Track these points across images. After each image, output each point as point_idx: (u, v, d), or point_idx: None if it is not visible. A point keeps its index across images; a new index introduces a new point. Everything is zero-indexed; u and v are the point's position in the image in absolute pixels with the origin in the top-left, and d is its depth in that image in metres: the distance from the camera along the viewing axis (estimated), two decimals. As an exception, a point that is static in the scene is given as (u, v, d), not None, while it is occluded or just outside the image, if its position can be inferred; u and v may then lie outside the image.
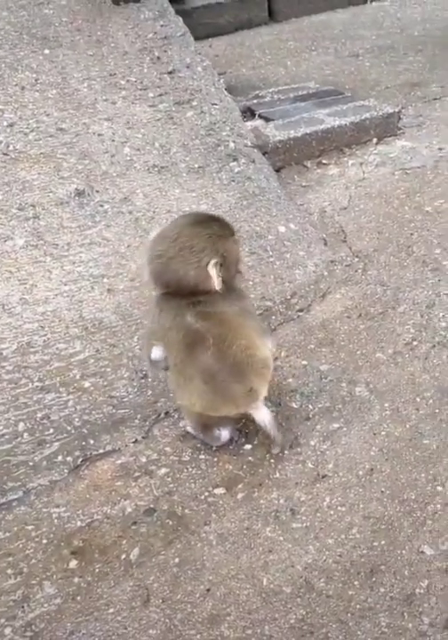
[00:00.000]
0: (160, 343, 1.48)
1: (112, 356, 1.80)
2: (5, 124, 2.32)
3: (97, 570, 1.31)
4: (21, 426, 1.60)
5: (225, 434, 1.56)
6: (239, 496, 1.46)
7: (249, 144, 2.62)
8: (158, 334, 1.49)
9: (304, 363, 1.82)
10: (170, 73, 2.74)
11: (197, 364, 1.42)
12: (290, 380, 1.77)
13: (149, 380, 1.75)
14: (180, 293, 1.45)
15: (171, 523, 1.41)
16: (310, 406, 1.69)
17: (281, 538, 1.37)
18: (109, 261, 2.05)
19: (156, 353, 1.49)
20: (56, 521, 1.41)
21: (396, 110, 2.97)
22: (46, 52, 2.68)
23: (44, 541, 1.36)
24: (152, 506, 1.44)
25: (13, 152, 2.23)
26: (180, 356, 1.45)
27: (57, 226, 2.09)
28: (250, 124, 2.88)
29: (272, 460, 1.55)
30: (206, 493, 1.47)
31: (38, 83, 2.52)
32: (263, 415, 1.51)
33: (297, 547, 1.35)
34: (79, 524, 1.40)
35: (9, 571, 1.31)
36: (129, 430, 1.62)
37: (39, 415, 1.63)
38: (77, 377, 1.74)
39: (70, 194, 2.19)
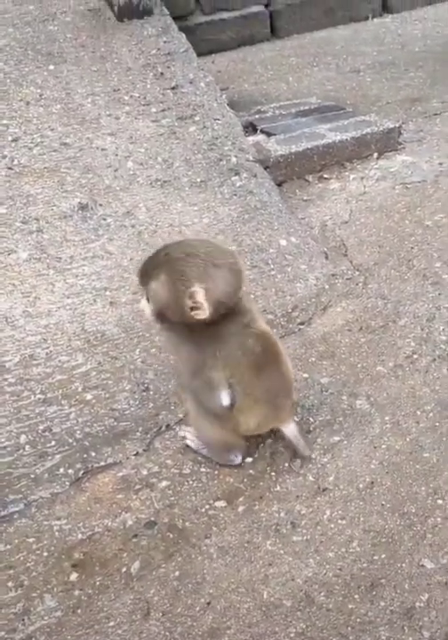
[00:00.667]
0: (224, 381, 1.40)
1: (114, 369, 1.81)
2: (10, 138, 2.35)
3: (97, 583, 1.32)
4: (23, 438, 1.61)
5: (239, 457, 1.57)
6: (240, 509, 1.47)
7: (251, 159, 2.64)
8: (221, 369, 1.40)
9: (305, 375, 1.83)
10: (173, 88, 2.77)
11: (262, 384, 1.43)
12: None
13: (151, 392, 1.76)
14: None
15: (171, 536, 1.41)
16: (311, 419, 1.69)
17: (281, 551, 1.37)
18: (112, 274, 2.06)
19: (226, 397, 1.42)
20: (57, 533, 1.41)
21: (397, 125, 2.98)
22: (51, 67, 2.71)
23: (45, 554, 1.37)
24: (153, 519, 1.45)
25: (18, 166, 2.25)
26: (244, 379, 1.41)
27: (60, 239, 2.11)
28: (252, 138, 2.90)
29: (273, 474, 1.55)
30: (207, 506, 1.47)
31: (43, 98, 2.54)
32: (293, 428, 1.55)
33: (297, 560, 1.35)
34: (80, 536, 1.40)
35: (9, 583, 1.31)
36: (130, 443, 1.63)
37: (41, 427, 1.64)
38: (79, 389, 1.75)
39: (74, 208, 2.21)
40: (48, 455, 1.58)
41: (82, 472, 1.55)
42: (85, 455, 1.59)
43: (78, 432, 1.64)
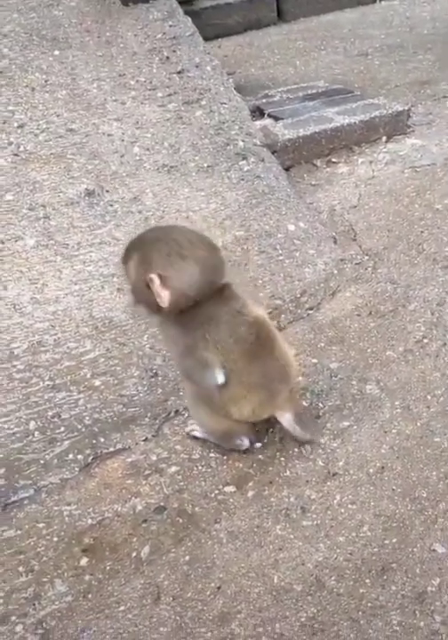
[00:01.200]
0: (217, 360, 1.38)
1: (122, 355, 1.81)
2: (16, 125, 2.33)
3: (108, 567, 1.32)
4: (32, 424, 1.61)
5: (246, 441, 1.54)
6: (249, 494, 1.46)
7: (258, 143, 2.61)
8: (212, 351, 1.38)
9: (314, 361, 1.82)
10: (179, 73, 2.75)
11: (255, 371, 1.41)
12: (300, 378, 1.77)
13: (160, 378, 1.75)
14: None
15: (181, 521, 1.41)
16: (320, 404, 1.68)
17: (291, 536, 1.37)
18: (119, 261, 2.05)
19: (220, 375, 1.39)
20: (67, 519, 1.41)
21: (406, 108, 2.95)
22: (56, 53, 2.69)
23: (55, 539, 1.37)
24: (162, 504, 1.44)
25: (24, 153, 2.24)
26: (237, 366, 1.39)
27: (67, 226, 2.10)
28: (259, 123, 2.87)
29: (282, 459, 1.54)
30: (216, 491, 1.47)
31: (48, 84, 2.53)
32: (288, 416, 1.52)
33: (307, 545, 1.35)
34: (90, 521, 1.40)
35: (20, 568, 1.32)
36: (139, 429, 1.63)
37: (50, 414, 1.64)
38: (88, 376, 1.74)
39: (80, 194, 2.20)
40: (57, 441, 1.58)
41: (91, 458, 1.55)
42: (94, 441, 1.59)
43: (87, 418, 1.64)
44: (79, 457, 1.55)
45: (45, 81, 2.53)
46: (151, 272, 1.33)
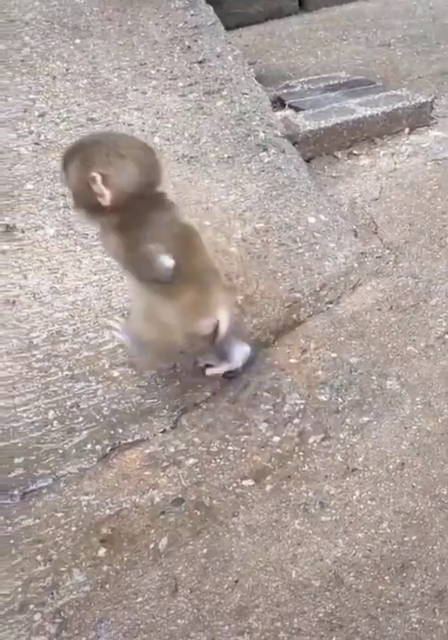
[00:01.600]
0: (161, 248, 1.45)
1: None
2: (37, 114, 2.33)
3: (125, 558, 1.32)
4: (51, 414, 1.61)
5: (169, 364, 1.65)
6: (267, 488, 1.46)
7: (279, 134, 2.59)
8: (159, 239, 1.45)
9: (334, 355, 1.80)
10: (200, 62, 2.73)
11: (192, 264, 1.49)
12: (319, 372, 1.76)
13: (178, 370, 1.75)
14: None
15: (199, 513, 1.40)
16: (340, 399, 1.67)
17: (310, 531, 1.36)
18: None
19: (167, 259, 1.45)
20: (85, 509, 1.41)
21: (429, 100, 2.91)
22: (77, 41, 2.68)
23: (74, 529, 1.37)
24: (180, 496, 1.44)
25: (45, 142, 2.23)
26: (177, 259, 1.46)
27: (87, 215, 2.10)
28: (280, 113, 2.85)
29: (301, 453, 1.54)
30: (234, 485, 1.46)
31: (69, 72, 2.52)
32: (226, 319, 1.56)
33: (326, 540, 1.34)
34: (108, 512, 1.41)
35: (38, 557, 1.32)
36: (157, 420, 1.62)
37: (69, 403, 1.64)
38: (106, 366, 1.74)
39: (100, 184, 2.19)
40: (76, 431, 1.58)
41: (109, 448, 1.55)
42: (112, 431, 1.59)
43: (105, 408, 1.64)
44: (97, 447, 1.55)
45: (66, 69, 2.52)
46: (92, 171, 1.38)
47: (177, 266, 1.44)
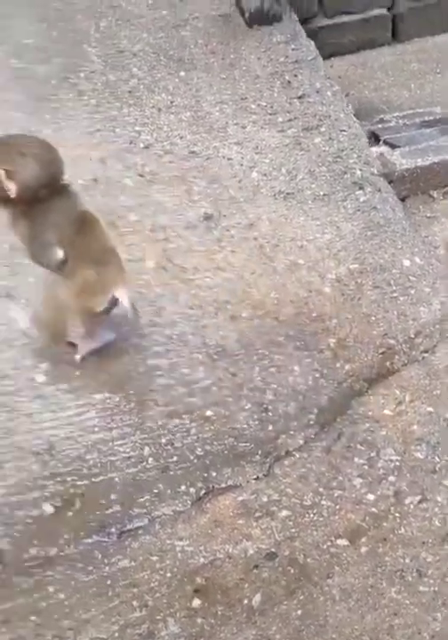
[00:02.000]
0: (55, 240, 1.68)
1: (233, 385, 1.80)
2: (142, 145, 2.39)
3: (219, 612, 1.31)
4: (147, 450, 1.63)
5: (110, 334, 1.83)
6: (362, 550, 1.43)
7: (375, 172, 2.56)
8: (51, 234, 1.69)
9: (430, 409, 1.76)
10: (299, 98, 2.73)
11: (88, 245, 1.71)
12: (415, 427, 1.71)
13: (270, 414, 1.74)
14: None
15: (292, 571, 1.39)
16: (437, 458, 1.62)
17: (407, 601, 1.33)
18: (234, 288, 2.05)
19: (59, 251, 1.68)
20: (180, 554, 1.42)
21: None
22: (182, 74, 2.74)
23: (168, 575, 1.38)
24: (274, 550, 1.43)
25: (149, 174, 2.29)
26: (73, 241, 1.69)
27: (186, 249, 2.13)
28: (375, 150, 2.81)
29: (397, 514, 1.50)
30: (328, 543, 1.44)
31: (173, 105, 2.57)
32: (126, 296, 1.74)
33: (424, 613, 1.30)
34: (202, 560, 1.41)
35: (134, 602, 1.33)
36: (250, 466, 1.62)
37: (163, 440, 1.66)
38: (200, 404, 1.75)
39: (199, 217, 2.22)
40: (170, 470, 1.59)
41: (203, 491, 1.55)
42: (206, 474, 1.59)
43: (199, 448, 1.65)
44: (191, 490, 1.56)
45: (171, 102, 2.58)
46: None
47: (68, 255, 1.68)
